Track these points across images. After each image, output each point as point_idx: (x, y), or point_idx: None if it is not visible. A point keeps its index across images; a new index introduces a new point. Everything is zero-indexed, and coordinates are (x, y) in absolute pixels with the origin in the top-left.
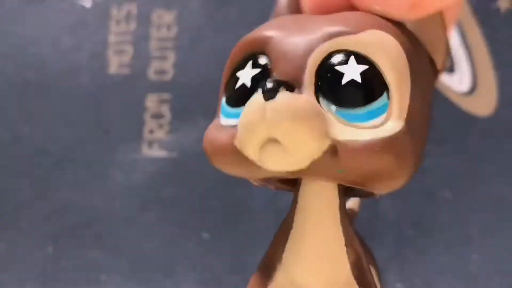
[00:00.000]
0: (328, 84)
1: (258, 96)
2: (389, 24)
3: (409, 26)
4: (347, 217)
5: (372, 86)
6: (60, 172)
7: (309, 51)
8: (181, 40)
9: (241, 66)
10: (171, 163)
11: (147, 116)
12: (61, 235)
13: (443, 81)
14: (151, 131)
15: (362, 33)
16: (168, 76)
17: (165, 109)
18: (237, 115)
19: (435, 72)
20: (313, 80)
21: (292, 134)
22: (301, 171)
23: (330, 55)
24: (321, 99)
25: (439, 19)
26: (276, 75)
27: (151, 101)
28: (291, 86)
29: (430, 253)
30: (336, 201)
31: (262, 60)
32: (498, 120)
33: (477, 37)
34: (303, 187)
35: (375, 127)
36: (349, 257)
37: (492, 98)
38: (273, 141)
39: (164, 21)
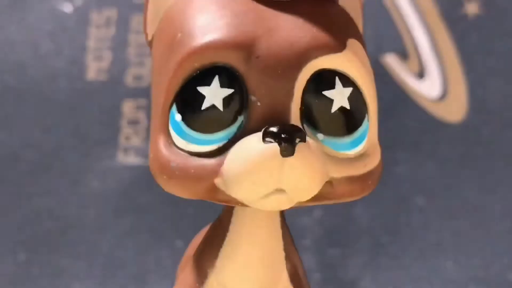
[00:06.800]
0: (316, 111)
1: (268, 146)
2: (346, 15)
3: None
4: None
5: (358, 112)
6: (34, 178)
7: (295, 72)
8: None
9: (200, 79)
10: (146, 170)
11: (123, 122)
12: (34, 242)
13: (414, 87)
14: (127, 138)
15: (347, 50)
16: (146, 82)
17: (142, 116)
18: (207, 142)
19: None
20: (299, 105)
21: (305, 188)
22: None
23: (315, 75)
24: (305, 125)
25: None
26: (257, 99)
27: (128, 107)
28: (303, 134)
29: (404, 260)
30: None
31: (231, 77)
32: (468, 125)
33: (446, 43)
34: None
35: (360, 156)
36: (287, 263)
37: (462, 104)
38: (279, 190)
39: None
